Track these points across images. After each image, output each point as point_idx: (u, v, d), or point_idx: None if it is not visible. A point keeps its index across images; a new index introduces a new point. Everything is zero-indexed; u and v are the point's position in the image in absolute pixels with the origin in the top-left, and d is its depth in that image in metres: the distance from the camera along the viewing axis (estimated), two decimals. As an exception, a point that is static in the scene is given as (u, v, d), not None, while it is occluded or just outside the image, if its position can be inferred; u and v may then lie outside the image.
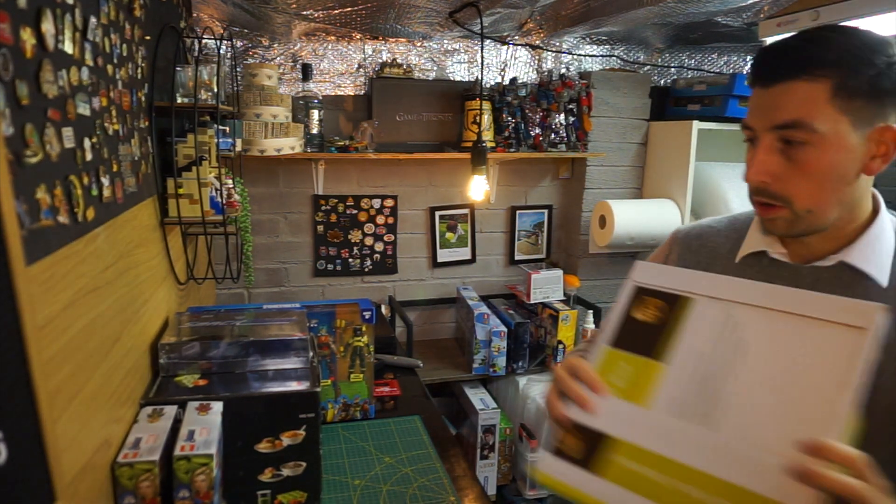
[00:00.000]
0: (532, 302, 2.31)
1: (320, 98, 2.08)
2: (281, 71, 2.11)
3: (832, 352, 0.57)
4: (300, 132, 1.95)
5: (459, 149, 2.24)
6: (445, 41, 2.29)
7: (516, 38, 2.32)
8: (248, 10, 1.80)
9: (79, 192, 0.74)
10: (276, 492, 1.10)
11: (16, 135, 0.58)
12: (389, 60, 2.22)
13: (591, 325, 2.28)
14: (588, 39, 2.41)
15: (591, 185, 2.46)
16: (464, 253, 2.50)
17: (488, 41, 2.28)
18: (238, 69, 1.89)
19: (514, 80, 2.34)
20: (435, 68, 2.32)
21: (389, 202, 2.36)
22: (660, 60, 2.55)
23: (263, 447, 1.08)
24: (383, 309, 2.35)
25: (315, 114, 2.06)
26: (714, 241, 0.91)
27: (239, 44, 2.06)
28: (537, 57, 2.42)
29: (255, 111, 1.83)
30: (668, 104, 2.50)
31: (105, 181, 0.86)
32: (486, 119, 2.18)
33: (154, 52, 1.20)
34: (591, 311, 2.31)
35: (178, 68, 1.28)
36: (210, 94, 1.34)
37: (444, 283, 2.51)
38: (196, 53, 1.51)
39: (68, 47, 0.72)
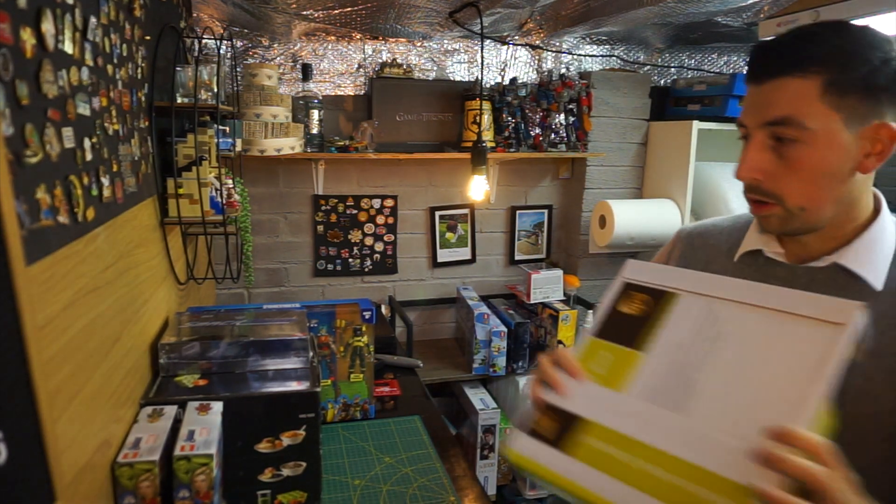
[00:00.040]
0: (532, 302, 2.31)
1: (320, 98, 2.08)
2: (281, 71, 2.11)
3: (808, 346, 0.57)
4: (300, 132, 1.95)
5: (459, 149, 2.24)
6: (445, 41, 2.29)
7: (516, 38, 2.32)
8: (248, 10, 1.80)
9: (79, 192, 0.74)
10: (276, 492, 1.10)
11: (16, 135, 0.58)
12: (389, 60, 2.22)
13: (591, 325, 2.28)
14: (588, 39, 2.41)
15: (591, 185, 2.46)
16: (464, 253, 2.50)
17: (488, 41, 2.28)
18: (238, 69, 1.89)
19: (514, 80, 2.34)
20: (435, 68, 2.32)
21: (389, 202, 2.36)
22: (660, 60, 2.55)
23: (263, 447, 1.08)
24: (383, 309, 2.35)
25: (315, 114, 2.06)
26: (716, 239, 0.91)
27: (239, 44, 2.06)
28: (537, 57, 2.42)
29: (255, 111, 1.83)
30: (668, 104, 2.50)
31: (105, 181, 0.86)
32: (486, 119, 2.18)
33: (154, 52, 1.20)
34: (591, 311, 2.31)
35: (178, 68, 1.28)
36: (210, 94, 1.34)
37: (444, 283, 2.51)
38: (196, 53, 1.51)
39: (68, 47, 0.72)
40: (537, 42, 2.37)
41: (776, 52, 0.73)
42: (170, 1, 1.41)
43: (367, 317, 1.40)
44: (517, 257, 2.57)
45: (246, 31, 2.05)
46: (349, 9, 1.82)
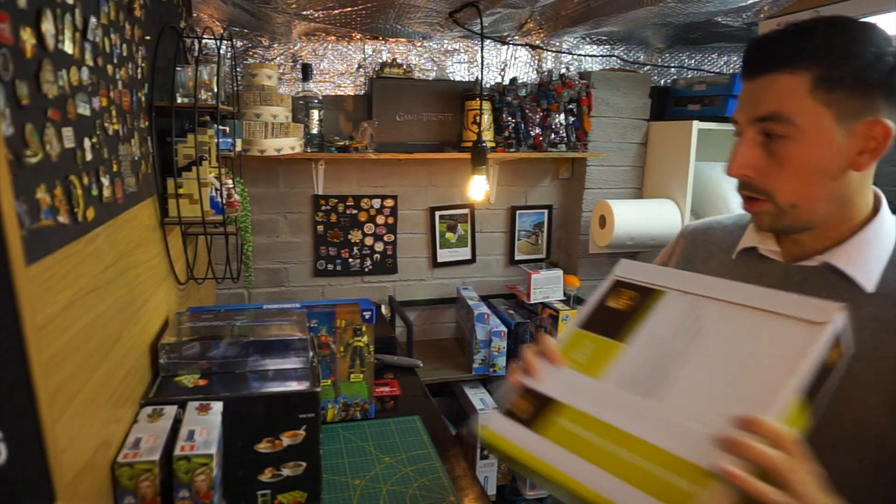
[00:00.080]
0: (532, 302, 2.31)
1: (320, 98, 2.08)
2: (281, 71, 2.11)
3: (785, 343, 0.58)
4: (300, 132, 1.95)
5: (459, 149, 2.24)
6: (445, 41, 2.29)
7: (516, 38, 2.33)
8: (248, 10, 1.80)
9: (79, 192, 0.74)
10: (276, 492, 1.10)
11: (16, 135, 0.58)
12: (389, 60, 2.22)
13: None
14: (588, 39, 2.41)
15: (591, 185, 2.46)
16: (464, 253, 2.50)
17: (488, 41, 2.28)
18: (238, 69, 1.89)
19: (514, 80, 2.34)
20: (435, 68, 2.32)
21: (389, 202, 2.36)
22: (660, 60, 2.55)
23: (263, 447, 1.08)
24: (383, 309, 2.35)
25: (315, 114, 2.06)
26: (717, 236, 0.91)
27: (239, 44, 2.06)
28: (537, 57, 2.42)
29: (255, 111, 1.83)
30: (668, 104, 2.50)
31: (105, 181, 0.86)
32: (486, 119, 2.18)
33: (154, 52, 1.20)
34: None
35: (178, 68, 1.28)
36: (210, 94, 1.34)
37: (444, 283, 2.51)
38: (196, 53, 1.51)
39: (68, 47, 0.72)
40: (537, 42, 2.37)
41: (768, 48, 0.72)
42: (170, 1, 1.41)
43: (367, 317, 1.40)
44: (517, 257, 2.57)
45: (246, 31, 2.05)
46: (349, 9, 1.82)
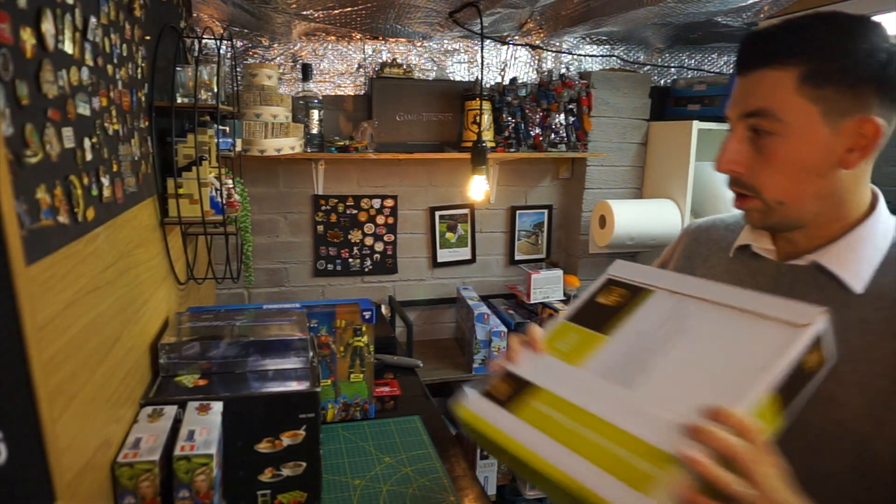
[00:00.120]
0: (532, 302, 2.31)
1: (320, 98, 2.08)
2: (281, 71, 2.11)
3: (765, 343, 0.59)
4: (300, 132, 1.95)
5: (459, 149, 2.24)
6: (445, 41, 2.29)
7: (516, 38, 2.33)
8: (248, 10, 1.80)
9: (79, 192, 0.74)
10: (276, 492, 1.10)
11: (16, 135, 0.58)
12: (389, 60, 2.22)
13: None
14: (588, 39, 2.41)
15: (591, 185, 2.46)
16: (464, 253, 2.50)
17: (488, 41, 2.28)
18: (238, 69, 1.89)
19: (514, 80, 2.34)
20: (435, 68, 2.32)
21: (389, 202, 2.36)
22: (660, 60, 2.55)
23: (263, 447, 1.08)
24: (383, 309, 2.35)
25: (315, 114, 2.06)
26: (719, 234, 0.90)
27: (239, 44, 2.06)
28: (537, 57, 2.42)
29: (255, 111, 1.83)
30: (668, 104, 2.50)
31: (105, 181, 0.86)
32: (486, 119, 2.18)
33: (154, 52, 1.20)
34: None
35: (178, 68, 1.28)
36: (210, 94, 1.34)
37: (444, 283, 2.51)
38: (196, 53, 1.51)
39: (68, 47, 0.72)
40: (537, 42, 2.37)
41: (759, 44, 0.72)
42: (170, 1, 1.41)
43: (367, 317, 1.40)
44: (517, 257, 2.57)
45: (246, 31, 2.05)
46: (349, 9, 1.82)
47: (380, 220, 2.36)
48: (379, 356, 1.80)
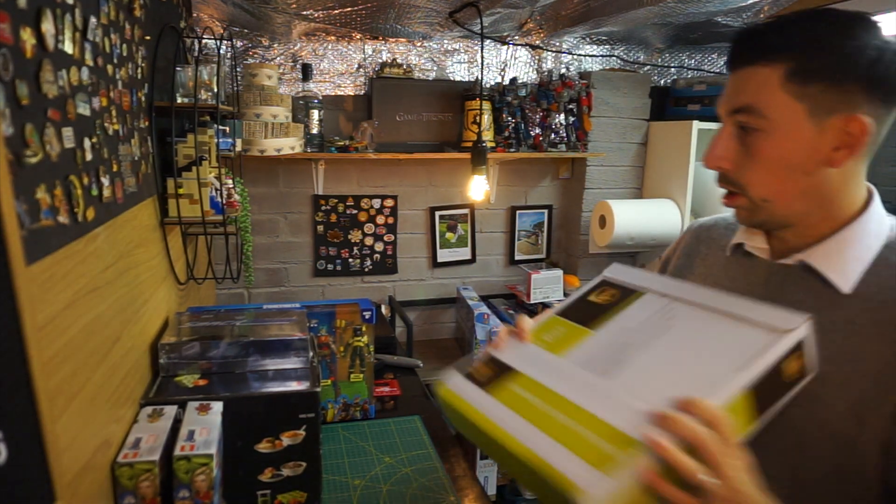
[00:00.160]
0: (532, 302, 2.31)
1: (320, 98, 2.08)
2: (281, 71, 2.11)
3: (745, 345, 0.60)
4: (300, 132, 1.95)
5: (459, 149, 2.24)
6: (445, 41, 2.29)
7: (516, 38, 2.33)
8: (248, 10, 1.80)
9: (79, 192, 0.74)
10: (276, 492, 1.10)
11: (16, 135, 0.58)
12: (389, 60, 2.22)
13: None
14: (588, 39, 2.41)
15: (591, 185, 2.46)
16: (464, 253, 2.50)
17: (488, 41, 2.28)
18: (238, 69, 1.89)
19: (514, 80, 2.34)
20: (435, 68, 2.32)
21: (389, 202, 2.36)
22: (660, 60, 2.55)
23: (263, 447, 1.08)
24: (383, 309, 2.35)
25: (315, 114, 2.06)
26: (719, 233, 0.90)
27: (239, 44, 2.06)
28: (537, 57, 2.42)
29: (255, 111, 1.83)
30: (668, 104, 2.50)
31: (105, 181, 0.86)
32: (486, 119, 2.18)
33: (154, 52, 1.20)
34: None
35: (178, 68, 1.28)
36: (210, 94, 1.34)
37: (444, 283, 2.51)
38: (196, 53, 1.51)
39: (68, 47, 0.72)
40: (537, 42, 2.37)
41: (746, 41, 0.71)
42: (170, 1, 1.41)
43: (367, 317, 1.40)
44: (517, 257, 2.57)
45: (246, 31, 2.05)
46: (349, 9, 1.82)
47: (380, 220, 2.36)
48: (379, 356, 1.80)
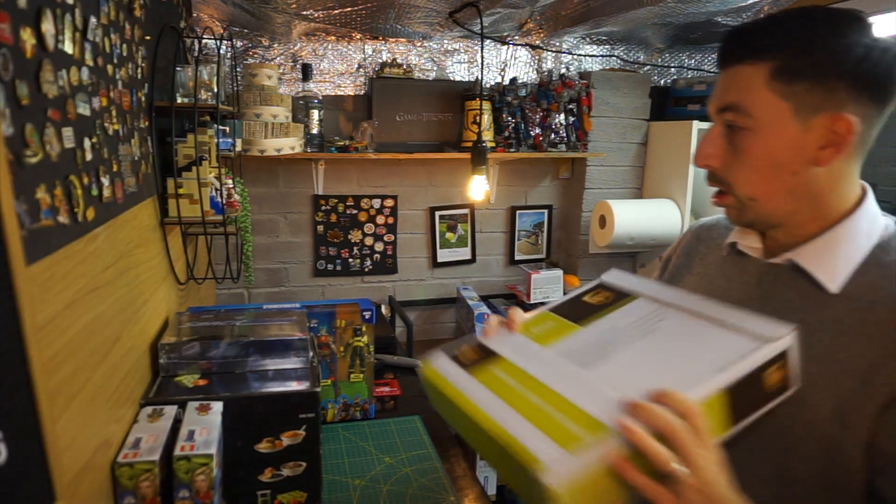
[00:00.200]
0: (532, 302, 2.31)
1: (320, 98, 2.08)
2: (281, 71, 2.11)
3: (728, 349, 0.61)
4: (300, 132, 1.95)
5: (459, 149, 2.24)
6: (445, 41, 2.29)
7: (516, 38, 2.33)
8: (248, 10, 1.80)
9: (79, 192, 0.74)
10: (276, 492, 1.10)
11: (16, 135, 0.58)
12: (389, 60, 2.22)
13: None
14: (588, 39, 2.41)
15: (591, 185, 2.46)
16: (464, 253, 2.50)
17: (488, 41, 2.28)
18: (238, 69, 1.89)
19: (514, 80, 2.34)
20: (435, 68, 2.32)
21: (389, 202, 2.36)
22: (660, 60, 2.55)
23: (263, 447, 1.08)
24: (383, 309, 2.35)
25: (315, 114, 2.06)
26: (719, 232, 0.90)
27: (239, 44, 2.06)
28: (537, 57, 2.42)
29: (255, 111, 1.83)
30: (668, 104, 2.50)
31: (105, 181, 0.86)
32: (486, 119, 2.18)
33: (154, 52, 1.20)
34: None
35: (178, 68, 1.28)
36: (210, 94, 1.34)
37: (444, 283, 2.51)
38: (196, 53, 1.51)
39: (68, 47, 0.72)
40: (537, 42, 2.37)
41: (734, 40, 0.71)
42: (170, 1, 1.41)
43: (367, 317, 1.40)
44: (517, 257, 2.57)
45: (246, 31, 2.05)
46: (349, 9, 1.82)
47: (380, 220, 2.36)
48: (379, 356, 1.80)
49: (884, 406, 0.62)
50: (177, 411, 1.01)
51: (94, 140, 0.81)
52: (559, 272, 2.36)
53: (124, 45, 0.99)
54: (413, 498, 1.16)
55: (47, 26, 0.65)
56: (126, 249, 0.98)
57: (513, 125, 2.27)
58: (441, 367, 0.73)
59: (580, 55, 2.45)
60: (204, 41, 1.87)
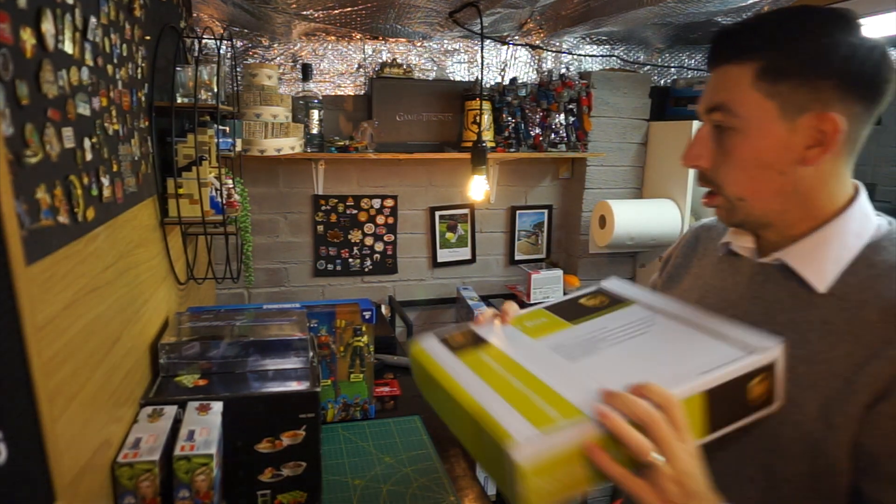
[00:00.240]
0: (532, 302, 2.31)
1: (320, 98, 2.08)
2: (281, 71, 2.11)
3: (714, 355, 0.61)
4: (300, 132, 1.95)
5: (459, 149, 2.24)
6: (445, 41, 2.29)
7: (516, 38, 2.33)
8: (248, 10, 1.80)
9: (79, 192, 0.74)
10: (276, 492, 1.10)
11: (16, 135, 0.58)
12: (389, 60, 2.22)
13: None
14: (588, 39, 2.41)
15: (591, 185, 2.46)
16: (464, 253, 2.50)
17: (488, 41, 2.28)
18: (238, 69, 1.89)
19: (514, 80, 2.34)
20: (435, 68, 2.32)
21: (389, 202, 2.36)
22: (660, 60, 2.56)
23: (263, 447, 1.08)
24: (383, 309, 2.35)
25: (315, 114, 2.06)
26: (717, 232, 0.90)
27: (239, 44, 2.06)
28: (537, 57, 2.42)
29: (255, 111, 1.83)
30: (668, 104, 2.50)
31: (105, 181, 0.86)
32: (486, 119, 2.18)
33: (154, 52, 1.20)
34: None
35: (178, 68, 1.28)
36: (210, 94, 1.34)
37: (444, 283, 2.51)
38: (196, 53, 1.51)
39: (68, 47, 0.72)
40: (537, 42, 2.37)
41: (722, 40, 0.71)
42: (170, 1, 1.41)
43: (367, 317, 1.40)
44: (517, 257, 2.57)
45: (246, 31, 2.05)
46: (349, 9, 1.82)
47: (380, 220, 2.36)
48: (379, 356, 1.80)
49: (867, 406, 0.62)
50: (177, 411, 1.01)
51: (94, 140, 0.81)
52: (559, 272, 2.36)
53: (124, 45, 0.99)
54: (413, 498, 1.16)
55: (47, 26, 0.65)
56: (126, 249, 0.98)
57: (513, 125, 2.27)
58: (429, 348, 0.75)
59: (580, 55, 2.45)
60: (204, 41, 1.87)
